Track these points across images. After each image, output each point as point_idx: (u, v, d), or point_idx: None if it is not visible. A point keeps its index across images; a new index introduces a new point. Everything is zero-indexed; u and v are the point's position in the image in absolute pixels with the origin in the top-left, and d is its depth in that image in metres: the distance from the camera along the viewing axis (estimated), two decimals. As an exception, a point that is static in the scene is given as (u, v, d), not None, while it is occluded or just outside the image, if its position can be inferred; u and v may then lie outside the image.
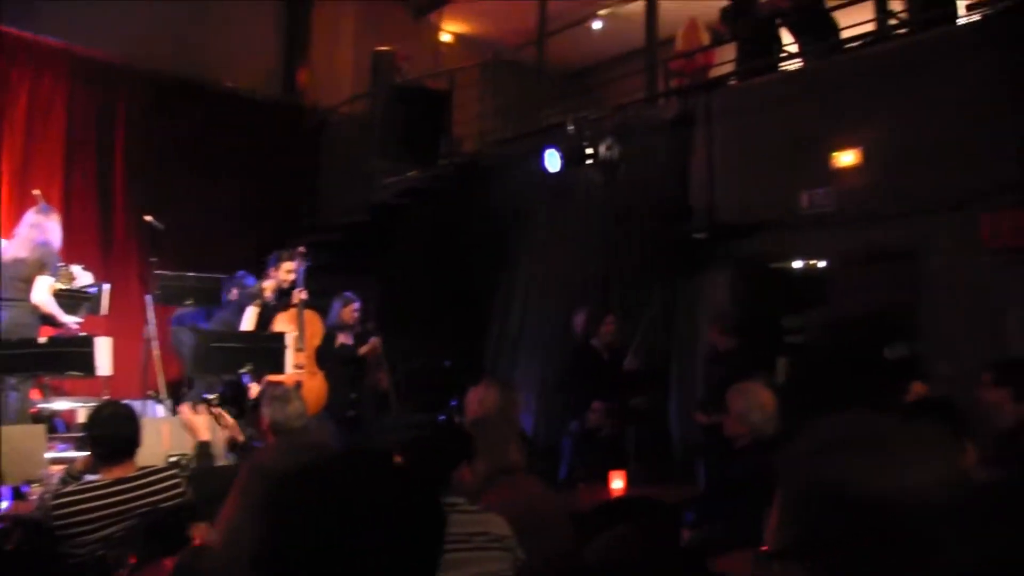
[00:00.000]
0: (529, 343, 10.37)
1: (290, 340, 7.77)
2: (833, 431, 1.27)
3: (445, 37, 14.95)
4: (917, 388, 5.72)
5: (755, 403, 4.90)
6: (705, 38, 10.60)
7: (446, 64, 13.47)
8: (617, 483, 6.00)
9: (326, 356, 8.43)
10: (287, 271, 8.25)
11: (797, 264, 9.10)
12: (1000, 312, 7.10)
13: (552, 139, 9.79)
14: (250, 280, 8.63)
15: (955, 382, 7.00)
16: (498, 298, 10.75)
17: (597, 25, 13.24)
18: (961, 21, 7.76)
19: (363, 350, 8.72)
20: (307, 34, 13.23)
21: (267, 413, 5.02)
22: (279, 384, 6.28)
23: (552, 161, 9.48)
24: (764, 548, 1.30)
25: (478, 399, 5.21)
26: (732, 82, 9.69)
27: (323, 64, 13.39)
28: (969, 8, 7.55)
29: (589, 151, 9.21)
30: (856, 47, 8.64)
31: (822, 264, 8.99)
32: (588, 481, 6.46)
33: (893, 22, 8.47)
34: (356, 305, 8.79)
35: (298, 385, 7.17)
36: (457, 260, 10.73)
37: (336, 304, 8.76)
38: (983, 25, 7.12)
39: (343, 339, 8.72)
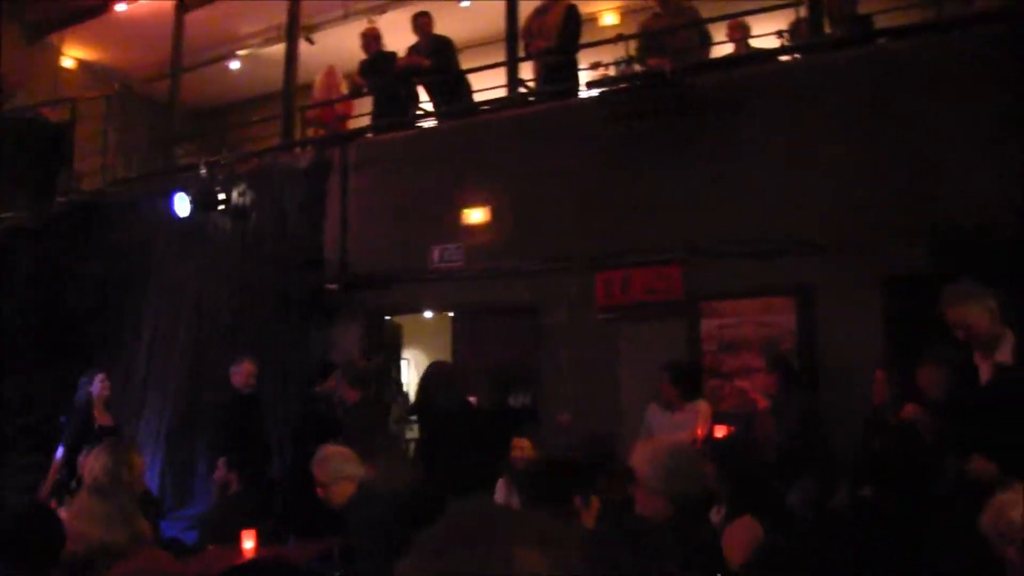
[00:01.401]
0: (157, 392, 9.73)
1: None
2: (449, 526, 1.27)
3: (67, 63, 13.77)
4: (519, 443, 5.90)
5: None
6: (343, 87, 10.64)
7: (68, 92, 12.43)
8: (248, 543, 5.73)
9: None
10: None
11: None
12: (611, 364, 7.66)
13: (183, 181, 9.38)
14: None
15: (571, 431, 7.48)
16: (120, 345, 10.03)
17: (235, 65, 12.91)
18: (584, 94, 8.32)
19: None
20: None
21: None
22: None
23: (181, 206, 9.06)
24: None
25: (88, 467, 4.74)
26: (369, 135, 9.78)
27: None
28: (589, 85, 8.14)
29: (221, 196, 8.93)
30: (489, 110, 9.02)
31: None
32: (222, 543, 6.10)
33: (523, 90, 8.94)
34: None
35: None
36: (73, 305, 9.91)
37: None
38: (602, 99, 7.69)
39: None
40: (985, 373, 4.44)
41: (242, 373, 7.89)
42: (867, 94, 6.87)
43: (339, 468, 4.78)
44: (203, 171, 9.08)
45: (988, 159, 6.37)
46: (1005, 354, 4.34)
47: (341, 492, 4.76)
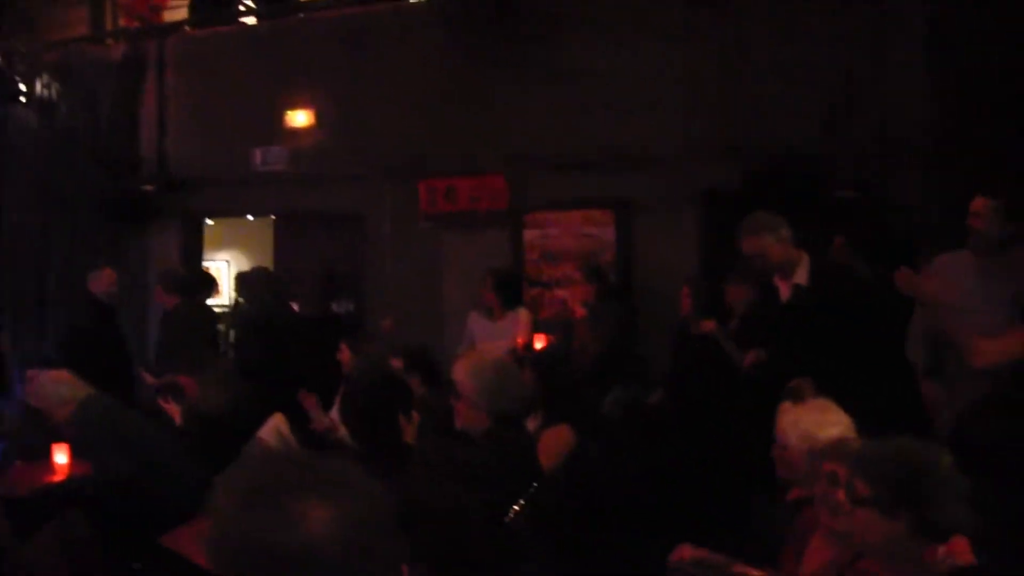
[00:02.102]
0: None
1: None
2: (241, 482, 1.28)
3: None
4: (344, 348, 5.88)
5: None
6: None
7: None
8: (61, 457, 5.43)
9: None
10: None
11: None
12: (435, 272, 7.73)
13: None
14: None
15: (397, 339, 7.54)
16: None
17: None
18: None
19: None
20: None
21: None
22: None
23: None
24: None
25: None
26: (187, 29, 9.32)
27: None
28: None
29: (23, 87, 8.38)
30: (316, 9, 8.73)
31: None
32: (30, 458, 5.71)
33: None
34: None
35: None
36: None
37: None
38: (432, 3, 7.60)
39: None
40: (785, 293, 4.74)
41: (103, 281, 7.30)
42: (683, 13, 7.03)
43: (54, 393, 4.53)
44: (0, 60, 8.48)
45: (802, 82, 6.67)
46: (802, 276, 4.65)
47: (62, 415, 4.54)
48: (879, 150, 6.46)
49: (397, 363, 5.63)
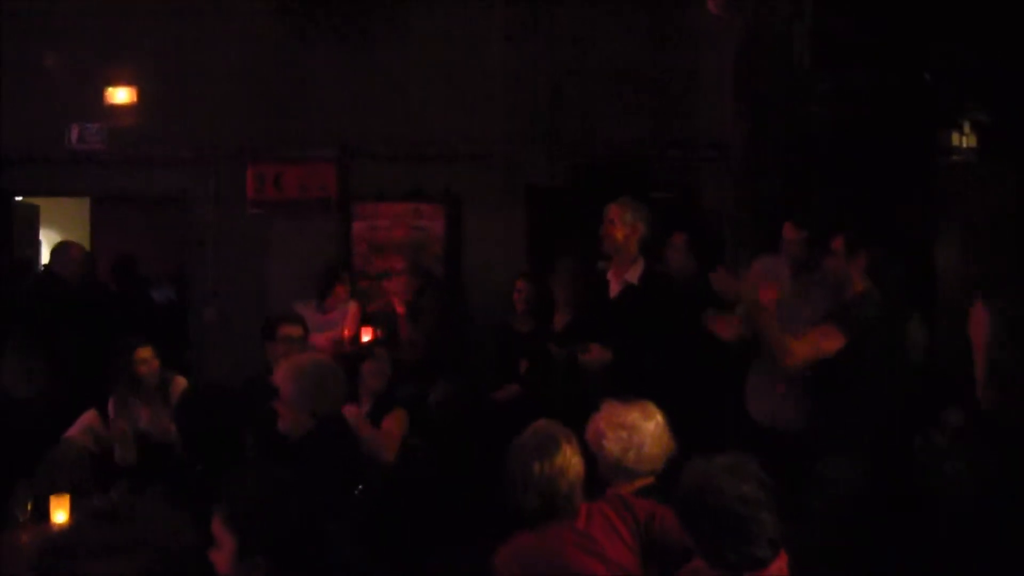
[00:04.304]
0: None
1: None
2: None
3: None
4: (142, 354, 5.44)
5: None
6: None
7: None
8: None
9: None
10: None
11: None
12: (261, 260, 7.58)
13: None
14: None
15: (220, 329, 7.39)
16: None
17: None
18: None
19: None
20: None
21: None
22: None
23: None
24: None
25: None
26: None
27: None
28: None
29: None
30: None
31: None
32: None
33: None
34: None
35: None
36: None
37: None
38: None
39: None
40: (615, 289, 4.92)
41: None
42: (528, 8, 7.14)
43: None
44: None
45: (631, 83, 6.89)
46: (634, 276, 4.85)
47: None
48: (695, 155, 6.77)
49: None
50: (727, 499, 2.30)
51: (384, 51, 7.28)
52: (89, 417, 4.89)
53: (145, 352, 5.06)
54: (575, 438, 2.99)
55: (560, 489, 2.84)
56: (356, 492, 3.83)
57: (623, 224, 4.84)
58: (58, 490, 3.74)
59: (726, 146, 6.45)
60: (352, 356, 5.73)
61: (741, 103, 6.07)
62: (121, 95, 7.77)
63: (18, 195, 8.33)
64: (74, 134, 7.84)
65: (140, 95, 7.74)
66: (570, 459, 2.90)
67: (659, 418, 3.24)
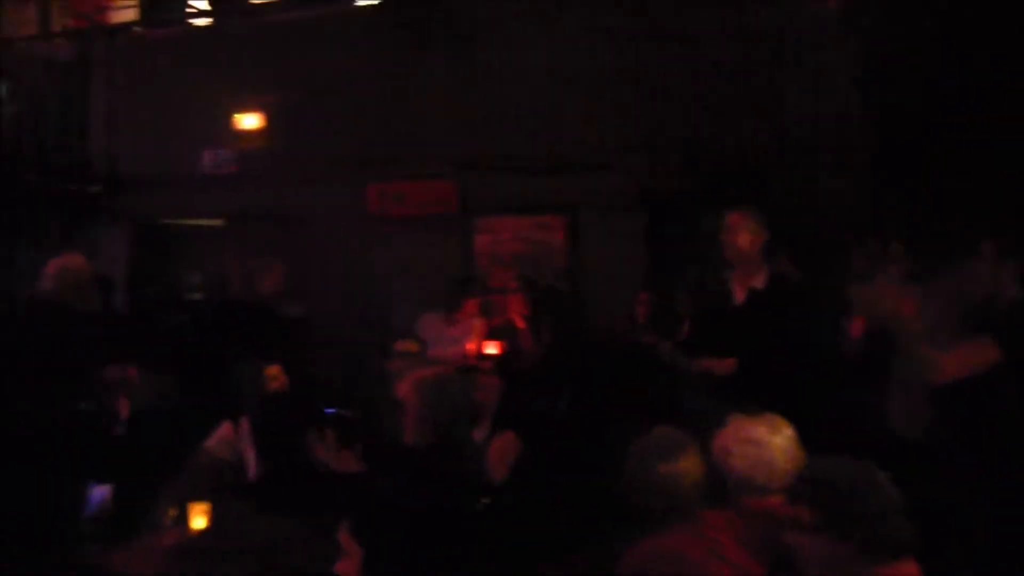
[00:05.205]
0: None
1: None
2: None
3: None
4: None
5: None
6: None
7: None
8: None
9: None
10: None
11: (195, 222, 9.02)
12: (383, 276, 7.74)
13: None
14: None
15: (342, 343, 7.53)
16: None
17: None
18: (363, 2, 8.18)
19: None
20: None
21: None
22: None
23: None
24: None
25: None
26: (136, 30, 9.25)
27: None
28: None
29: (-32, 86, 8.30)
30: (265, 12, 8.71)
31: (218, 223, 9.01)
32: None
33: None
34: None
35: None
36: None
37: None
38: (381, 5, 7.61)
39: None
40: (740, 297, 4.83)
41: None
42: (630, 11, 7.09)
43: None
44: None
45: (743, 83, 6.77)
46: (760, 283, 4.76)
47: None
48: (817, 158, 6.58)
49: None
50: (867, 487, 2.30)
51: (495, 64, 7.32)
52: (225, 429, 5.06)
53: (274, 369, 5.22)
54: (697, 447, 2.96)
55: (684, 491, 2.83)
56: (479, 505, 3.85)
57: (746, 231, 4.76)
58: (197, 497, 3.89)
59: (851, 149, 6.28)
60: (475, 370, 5.79)
61: (868, 107, 5.91)
62: (250, 120, 8.07)
63: (159, 219, 8.71)
64: (207, 159, 8.16)
65: (268, 119, 8.01)
66: (693, 463, 2.88)
67: (788, 431, 3.10)
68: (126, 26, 9.30)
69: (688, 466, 2.86)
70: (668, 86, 6.93)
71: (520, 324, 6.61)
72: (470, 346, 6.50)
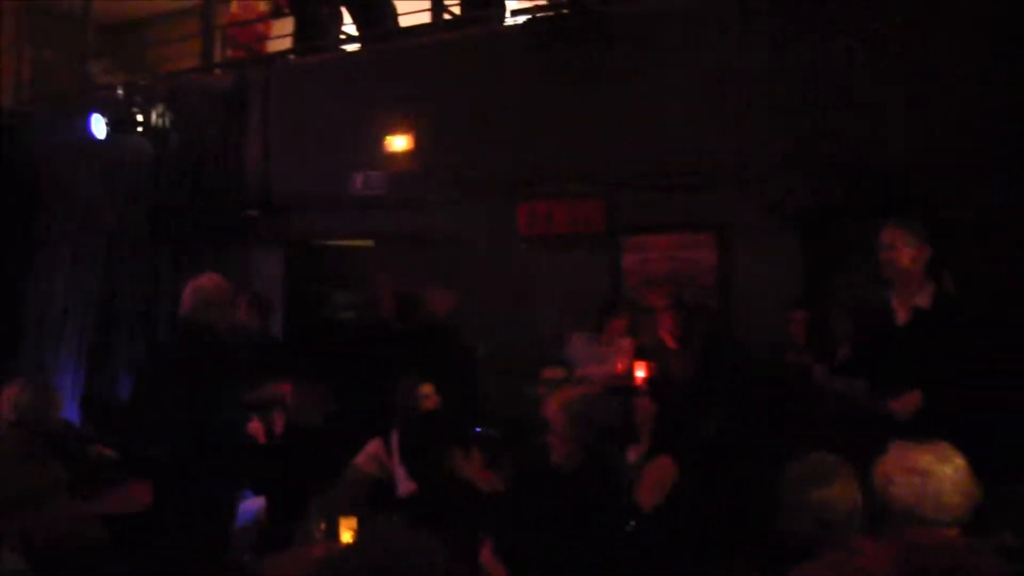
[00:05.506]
0: (78, 320, 9.57)
1: None
2: None
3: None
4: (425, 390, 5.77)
5: None
6: (262, 6, 10.35)
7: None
8: None
9: None
10: None
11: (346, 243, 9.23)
12: (532, 295, 7.71)
13: (98, 101, 9.13)
14: None
15: (492, 363, 7.54)
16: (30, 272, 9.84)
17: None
18: (509, 22, 8.22)
19: None
20: None
21: None
22: None
23: (98, 127, 8.85)
24: None
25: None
26: (291, 57, 9.56)
27: None
28: (514, 13, 8.08)
29: (139, 118, 8.73)
30: (413, 35, 8.86)
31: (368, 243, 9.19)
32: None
33: (447, 16, 8.80)
34: None
35: None
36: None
37: None
38: (526, 27, 7.63)
39: None
40: (903, 317, 4.57)
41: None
42: (777, 26, 6.84)
43: None
44: (120, 92, 8.87)
45: (897, 93, 6.44)
46: (924, 301, 4.50)
47: None
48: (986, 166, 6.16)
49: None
50: None
51: (636, 79, 7.19)
52: (375, 446, 5.13)
53: (428, 388, 5.29)
54: (853, 473, 2.81)
55: (837, 517, 2.71)
56: (628, 528, 3.75)
57: (907, 246, 4.51)
58: (346, 512, 3.94)
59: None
60: (625, 390, 5.71)
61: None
62: (399, 142, 8.20)
63: (312, 240, 8.95)
64: (358, 181, 8.34)
65: (416, 141, 8.13)
66: (849, 489, 2.77)
67: (958, 461, 2.87)
68: (282, 55, 9.63)
69: (843, 492, 2.75)
70: (821, 89, 6.61)
71: (670, 344, 6.48)
72: (619, 366, 6.41)
